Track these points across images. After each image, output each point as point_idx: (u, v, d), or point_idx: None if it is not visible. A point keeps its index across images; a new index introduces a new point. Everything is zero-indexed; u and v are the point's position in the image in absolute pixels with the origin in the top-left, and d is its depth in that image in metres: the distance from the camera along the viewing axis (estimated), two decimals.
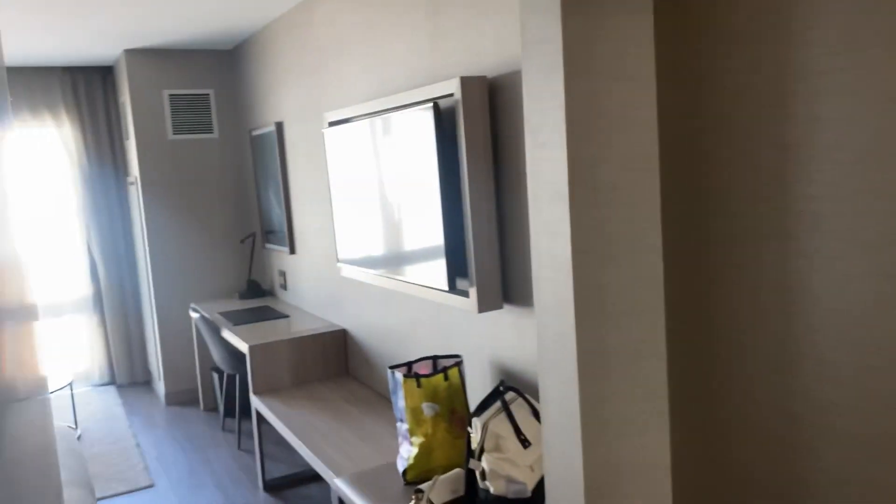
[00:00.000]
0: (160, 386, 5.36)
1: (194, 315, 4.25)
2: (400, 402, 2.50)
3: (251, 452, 4.23)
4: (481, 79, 2.37)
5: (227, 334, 4.05)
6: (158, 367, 5.31)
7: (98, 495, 3.74)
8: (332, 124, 3.40)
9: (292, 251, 4.51)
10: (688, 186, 1.55)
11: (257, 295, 5.05)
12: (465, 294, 2.49)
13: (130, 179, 5.43)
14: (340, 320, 3.92)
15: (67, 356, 5.87)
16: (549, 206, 1.48)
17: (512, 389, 2.18)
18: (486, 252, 2.41)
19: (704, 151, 1.50)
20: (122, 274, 5.77)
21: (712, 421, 1.55)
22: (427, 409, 2.44)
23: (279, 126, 4.43)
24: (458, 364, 2.51)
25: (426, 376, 2.46)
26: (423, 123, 2.51)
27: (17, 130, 5.49)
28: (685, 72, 1.51)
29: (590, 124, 1.43)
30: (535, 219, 1.53)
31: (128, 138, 5.39)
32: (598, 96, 1.43)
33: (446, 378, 2.47)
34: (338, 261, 3.39)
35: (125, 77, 5.06)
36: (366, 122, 2.93)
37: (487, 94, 2.39)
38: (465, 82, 2.36)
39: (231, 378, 4.58)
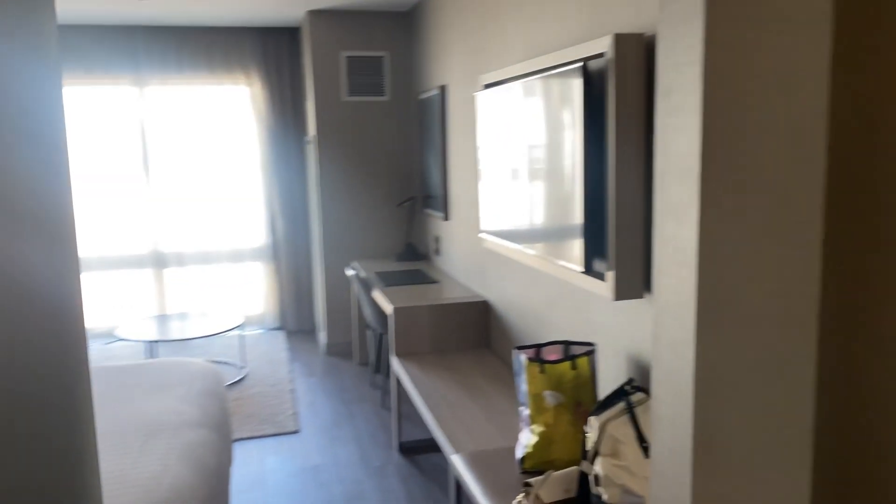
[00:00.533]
0: (322, 336, 5.62)
1: (350, 273, 4.36)
2: (523, 386, 2.35)
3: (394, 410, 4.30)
4: (637, 36, 2.09)
5: (377, 294, 4.11)
6: (322, 318, 5.56)
7: (247, 434, 3.99)
8: (485, 87, 3.25)
9: (446, 217, 4.47)
10: (863, 170, 1.22)
11: (413, 258, 5.08)
12: (601, 277, 2.26)
13: (308, 139, 5.66)
14: (484, 291, 3.82)
15: (245, 300, 6.34)
16: (676, 185, 1.24)
17: (641, 390, 1.95)
18: (628, 233, 2.16)
19: (893, 125, 1.17)
20: (297, 228, 6.09)
21: (868, 462, 1.24)
22: (549, 397, 2.26)
23: (442, 89, 4.36)
24: (590, 353, 2.30)
25: (552, 363, 2.27)
26: (569, 86, 2.28)
27: (212, 88, 5.92)
28: (875, 14, 1.18)
29: (734, 85, 1.16)
30: (661, 199, 1.30)
31: (307, 99, 5.62)
32: (747, 48, 1.15)
33: (574, 367, 2.27)
34: (480, 231, 3.27)
35: (308, 38, 5.24)
36: (512, 85, 2.75)
37: (644, 55, 2.11)
38: (620, 40, 2.10)
39: (381, 337, 4.67)
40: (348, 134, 5.28)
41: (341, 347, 5.49)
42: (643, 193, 2.16)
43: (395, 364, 3.61)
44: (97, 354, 5.52)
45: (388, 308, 3.77)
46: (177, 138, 5.91)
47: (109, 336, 5.99)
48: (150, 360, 3.15)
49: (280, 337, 5.97)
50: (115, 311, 6.11)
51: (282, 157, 5.99)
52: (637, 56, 2.11)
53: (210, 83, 5.90)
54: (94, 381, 2.86)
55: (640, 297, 2.19)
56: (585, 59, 2.32)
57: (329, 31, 5.18)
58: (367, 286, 4.29)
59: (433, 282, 4.28)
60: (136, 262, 5.96)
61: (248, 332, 6.15)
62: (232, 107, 6.05)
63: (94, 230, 5.90)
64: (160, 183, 5.90)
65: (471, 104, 3.85)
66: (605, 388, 2.51)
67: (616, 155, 2.13)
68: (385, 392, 4.46)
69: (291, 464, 3.65)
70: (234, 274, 6.25)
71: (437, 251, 4.79)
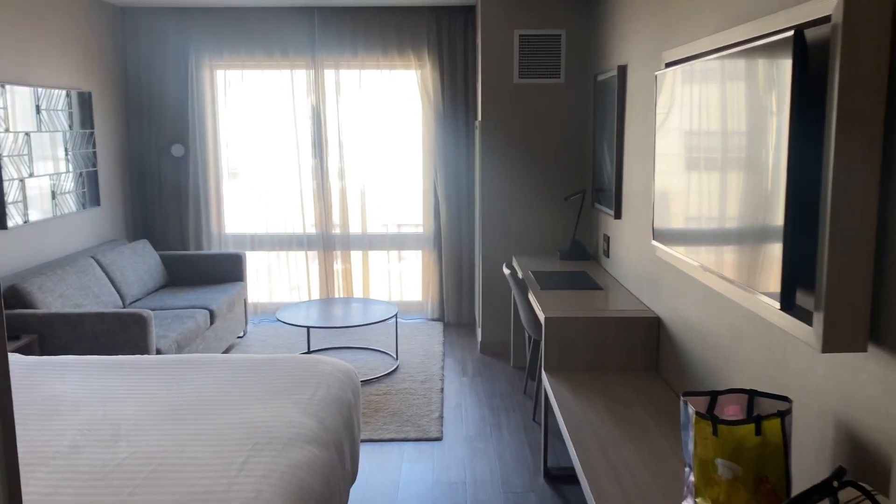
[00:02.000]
0: (478, 333, 5.33)
1: (507, 271, 4.00)
2: (689, 445, 1.85)
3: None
4: None
5: (532, 298, 3.71)
6: (479, 313, 5.27)
7: (389, 436, 3.78)
8: (667, 66, 2.72)
9: (617, 215, 3.95)
10: None
11: (579, 257, 4.61)
12: (805, 317, 1.70)
13: (476, 124, 5.36)
14: (656, 305, 3.28)
15: (406, 288, 6.21)
16: None
17: (855, 486, 1.40)
18: (850, 257, 1.59)
19: None
20: (461, 216, 5.83)
21: None
22: (723, 467, 1.75)
23: (622, 70, 3.83)
24: (783, 415, 1.75)
25: (730, 423, 1.76)
26: (776, 61, 1.73)
27: (384, 71, 5.79)
28: None
29: None
30: None
31: (478, 81, 5.30)
32: None
33: (759, 432, 1.74)
34: (653, 236, 2.75)
35: (481, 16, 4.91)
36: (701, 62, 2.21)
37: (891, 21, 1.52)
38: (852, 1, 1.52)
39: (536, 343, 4.27)
40: (517, 119, 4.90)
41: (497, 347, 5.17)
42: (877, 208, 1.58)
43: (545, 380, 3.20)
44: (258, 334, 5.65)
45: (540, 315, 3.36)
46: (348, 122, 5.86)
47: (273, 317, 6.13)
48: (278, 357, 3.00)
49: (437, 329, 5.77)
50: (282, 292, 6.25)
51: (450, 143, 5.75)
52: (880, 21, 1.52)
53: (383, 66, 5.78)
54: (213, 375, 2.74)
55: (863, 349, 1.61)
56: (800, 27, 1.74)
57: (504, 8, 4.81)
58: (522, 287, 3.91)
59: (597, 288, 3.80)
60: (305, 244, 6.03)
61: (406, 320, 6.02)
62: (402, 90, 5.89)
63: (267, 210, 6.04)
64: (331, 166, 5.90)
65: (649, 85, 3.30)
66: (801, 459, 1.94)
67: (839, 151, 1.56)
68: (538, 403, 4.07)
69: (428, 475, 3.39)
70: (396, 260, 6.14)
71: (606, 252, 4.28)
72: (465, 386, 4.54)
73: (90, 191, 5.09)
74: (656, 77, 2.71)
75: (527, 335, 4.57)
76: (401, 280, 6.20)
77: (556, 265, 4.48)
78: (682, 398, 1.88)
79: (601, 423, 2.66)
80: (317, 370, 2.81)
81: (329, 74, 5.80)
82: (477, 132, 5.24)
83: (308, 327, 4.52)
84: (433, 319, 6.04)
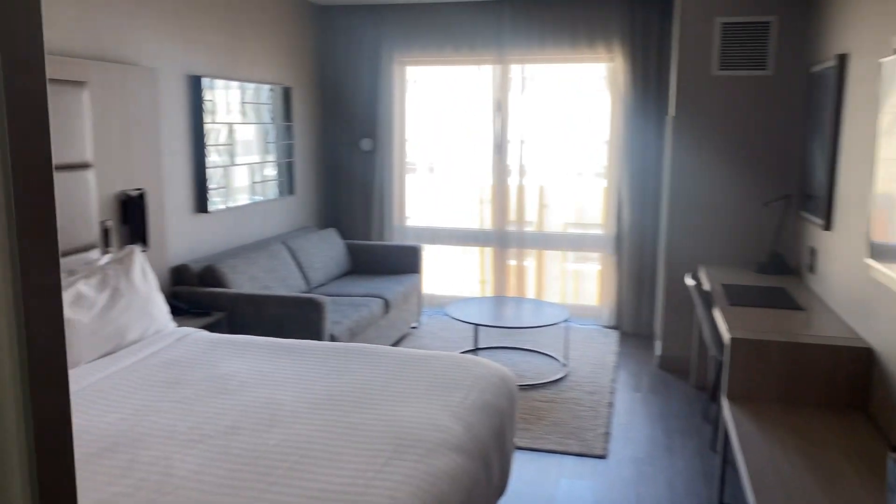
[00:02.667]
0: (657, 346, 4.97)
1: (690, 282, 3.65)
2: None
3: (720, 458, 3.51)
4: None
5: (718, 314, 3.34)
6: (659, 325, 4.90)
7: (549, 447, 3.61)
8: None
9: (827, 226, 3.44)
10: None
11: (778, 272, 4.11)
12: None
13: (668, 119, 4.98)
14: (868, 333, 2.80)
15: (581, 291, 5.97)
16: None
17: None
18: None
19: None
20: (645, 219, 5.48)
21: None
22: None
23: (841, 60, 3.32)
24: None
25: None
26: None
27: (572, 65, 5.57)
28: None
29: None
30: None
31: (671, 73, 4.92)
32: None
33: None
34: (869, 252, 2.32)
35: (679, 2, 4.54)
36: None
37: None
38: None
39: (720, 364, 3.86)
40: (713, 114, 4.47)
41: (677, 363, 4.78)
42: None
43: (726, 409, 2.85)
44: (430, 326, 5.69)
45: (725, 335, 3.01)
46: (531, 117, 5.73)
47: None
48: (436, 354, 2.94)
49: (612, 338, 5.47)
50: (456, 286, 6.27)
51: (638, 140, 5.41)
52: None
53: (570, 59, 5.57)
54: (372, 367, 2.73)
55: None
56: None
57: None
58: (707, 301, 3.54)
59: (797, 308, 3.34)
60: (481, 240, 6.00)
61: (579, 325, 5.77)
62: (590, 84, 5.64)
63: (446, 204, 6.08)
64: (511, 162, 5.80)
65: (877, 78, 2.81)
66: None
67: None
68: (718, 430, 3.67)
69: (587, 494, 3.17)
70: (572, 261, 5.91)
71: (811, 268, 3.76)
72: (637, 402, 4.23)
73: (286, 180, 5.42)
74: (882, 65, 2.28)
75: (710, 354, 4.16)
76: (576, 282, 5.96)
77: (749, 278, 4.02)
78: (890, 456, 1.53)
79: (789, 466, 2.30)
80: (472, 372, 2.71)
81: (515, 69, 5.70)
82: (668, 128, 4.87)
83: (476, 325, 4.46)
84: (608, 327, 5.74)
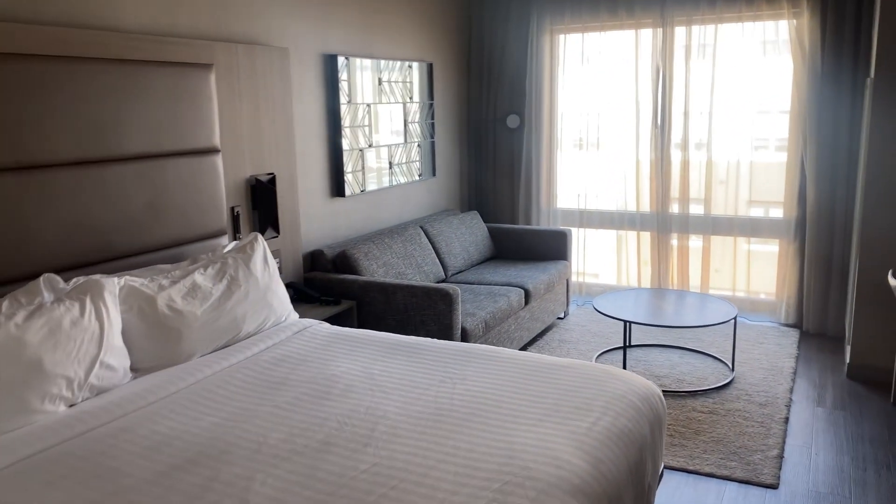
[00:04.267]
0: (847, 351, 4.21)
1: (893, 282, 2.96)
2: None
3: None
4: None
5: None
6: (850, 325, 4.15)
7: (707, 468, 3.10)
8: None
9: None
10: None
11: None
12: None
13: (868, 82, 4.16)
14: None
15: (754, 282, 5.25)
16: None
17: None
18: None
19: None
20: (836, 199, 4.66)
21: None
22: None
23: None
24: None
25: None
26: None
27: (748, 24, 4.84)
28: None
29: None
30: None
31: (874, 26, 4.09)
32: None
33: None
34: None
35: None
36: None
37: None
38: None
39: None
40: None
41: (873, 374, 4.01)
42: None
43: None
44: (579, 317, 5.25)
45: None
46: (698, 86, 5.07)
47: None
48: (566, 363, 2.55)
49: (791, 338, 4.73)
50: (609, 274, 5.77)
51: (828, 107, 4.59)
52: None
53: (745, 18, 4.84)
54: (492, 375, 2.40)
55: None
56: None
57: None
58: None
59: None
60: (637, 223, 5.45)
61: (752, 321, 5.07)
62: (769, 45, 4.88)
63: (599, 185, 5.58)
64: (674, 136, 5.19)
65: None
66: None
67: None
68: None
69: None
70: (745, 249, 5.20)
71: None
72: (819, 419, 3.57)
73: (427, 162, 5.21)
74: None
75: None
76: (748, 273, 5.25)
77: None
78: None
79: None
80: (607, 389, 2.31)
81: (679, 32, 5.06)
82: (867, 93, 4.05)
83: (625, 321, 3.99)
84: (787, 325, 4.99)
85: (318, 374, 2.50)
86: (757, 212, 5.20)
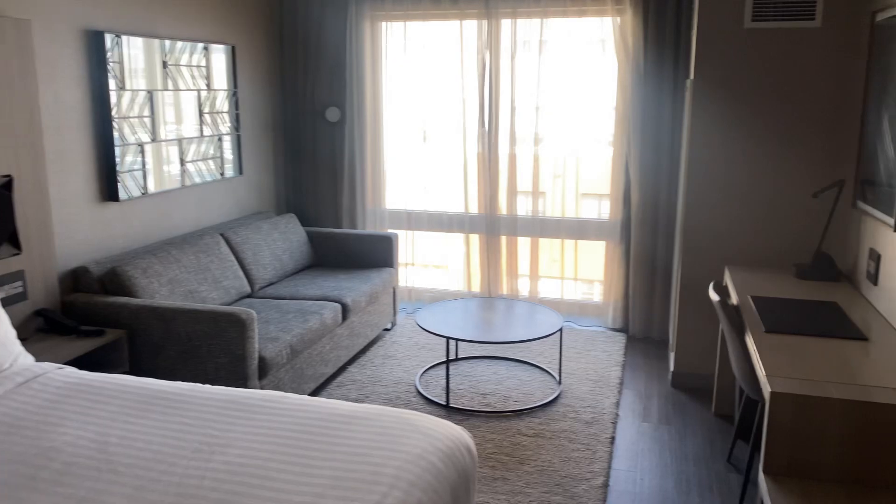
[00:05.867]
0: (671, 358, 4.13)
1: (714, 297, 2.80)
2: None
3: None
4: None
5: (751, 344, 2.50)
6: (673, 332, 4.06)
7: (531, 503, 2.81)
8: None
9: None
10: None
11: (826, 277, 3.25)
12: None
13: (688, 84, 4.08)
14: None
15: (581, 286, 5.13)
16: None
17: None
18: None
19: None
20: (658, 202, 4.60)
21: None
22: None
23: None
24: None
25: None
26: None
27: (573, 20, 4.66)
28: None
29: None
30: None
31: (692, 27, 4.01)
32: None
33: None
34: None
35: None
36: None
37: None
38: None
39: (756, 405, 3.03)
40: (745, 78, 3.57)
41: (695, 381, 3.95)
42: None
43: (764, 489, 2.03)
44: (407, 327, 4.88)
45: (764, 383, 2.17)
46: (524, 81, 4.83)
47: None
48: (359, 413, 2.13)
49: (618, 343, 4.63)
50: (439, 278, 5.45)
51: (651, 108, 4.51)
52: None
53: (571, 13, 4.66)
54: (260, 440, 1.92)
55: None
56: None
57: None
58: (737, 324, 2.69)
59: (857, 337, 2.49)
60: (466, 225, 5.15)
61: (580, 326, 4.94)
62: (594, 42, 4.73)
63: (427, 185, 5.23)
64: (501, 134, 4.93)
65: None
66: None
67: None
68: (748, 481, 2.84)
69: None
70: (573, 251, 5.05)
71: (874, 277, 2.89)
72: (645, 436, 3.41)
73: (232, 158, 4.59)
74: None
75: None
76: (576, 276, 5.12)
77: (789, 287, 3.16)
78: None
79: None
80: (404, 448, 1.90)
81: (505, 25, 4.79)
82: (687, 94, 3.97)
83: (448, 338, 3.64)
84: (614, 329, 4.90)
85: (31, 446, 1.89)
86: (590, 205, 5.08)
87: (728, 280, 3.38)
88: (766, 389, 2.10)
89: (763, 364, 2.25)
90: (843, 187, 3.33)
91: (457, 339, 3.63)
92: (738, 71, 3.57)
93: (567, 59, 4.77)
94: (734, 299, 3.07)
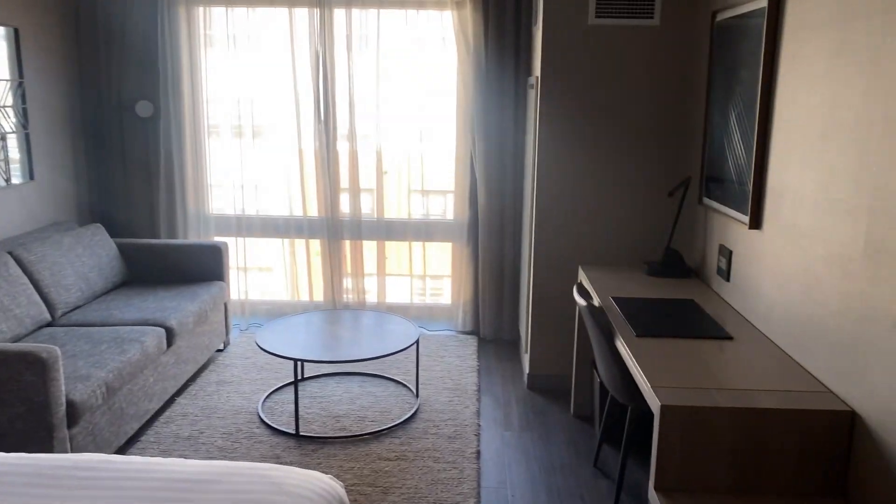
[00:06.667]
0: (525, 360, 4.05)
1: (581, 301, 2.70)
2: None
3: None
4: None
5: (625, 351, 2.41)
6: (527, 335, 3.98)
7: None
8: None
9: (755, 224, 2.61)
10: None
11: (676, 274, 3.29)
12: None
13: (531, 81, 4.01)
14: (844, 386, 1.97)
15: (430, 290, 4.95)
16: None
17: None
18: None
19: None
20: (505, 203, 4.51)
21: None
22: None
23: (776, 0, 2.46)
24: None
25: None
26: None
27: (410, 12, 4.44)
28: None
29: None
30: None
31: (535, 23, 3.94)
32: None
33: None
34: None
35: None
36: None
37: None
38: None
39: (616, 405, 2.98)
40: (591, 74, 3.54)
41: (552, 382, 3.89)
42: None
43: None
44: (243, 346, 4.42)
45: (651, 397, 2.07)
46: (363, 76, 4.54)
47: (266, 319, 4.91)
48: (201, 473, 1.75)
49: (470, 348, 4.49)
50: (278, 288, 5.02)
51: (494, 105, 4.40)
52: None
53: (409, 5, 4.43)
54: None
55: None
56: None
57: None
58: (606, 329, 2.60)
59: (722, 336, 2.48)
60: (305, 230, 4.77)
61: (432, 332, 4.76)
62: (434, 36, 4.54)
63: (259, 187, 4.78)
64: (339, 132, 4.60)
65: (831, 25, 1.93)
66: None
67: None
68: (623, 482, 2.78)
69: None
70: (420, 254, 4.85)
71: (726, 273, 2.94)
72: (509, 447, 3.28)
73: (22, 160, 3.86)
74: None
75: (595, 371, 3.29)
76: (425, 278, 4.93)
77: (643, 285, 3.16)
78: None
79: None
80: None
81: (339, 15, 4.46)
82: (532, 92, 3.89)
83: (294, 360, 3.27)
84: (465, 332, 4.77)
85: None
86: (436, 202, 4.89)
87: (584, 280, 3.33)
88: (656, 403, 2.00)
89: (645, 374, 2.15)
90: (689, 184, 3.40)
91: (305, 361, 3.27)
92: (584, 68, 3.53)
93: (407, 52, 4.53)
94: (596, 301, 3.01)
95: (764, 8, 2.51)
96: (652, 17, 3.47)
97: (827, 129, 2.11)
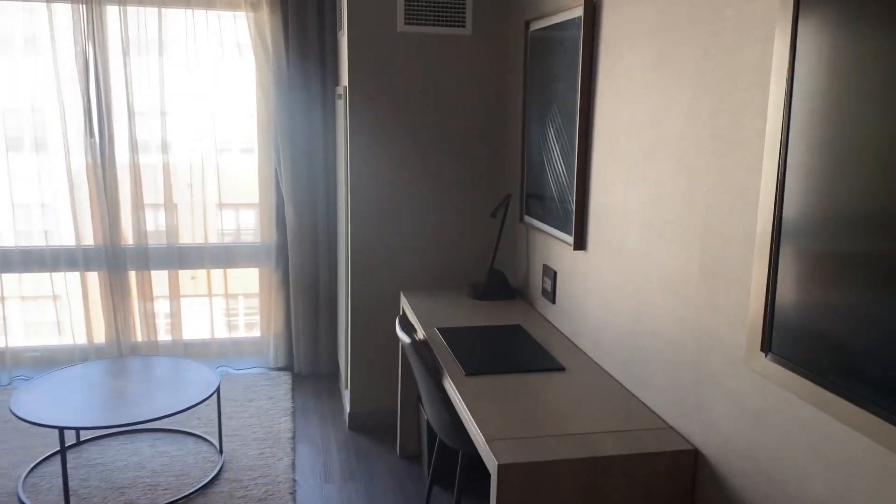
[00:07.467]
0: (346, 397, 3.70)
1: (404, 338, 2.40)
2: None
3: None
4: None
5: (454, 394, 2.15)
6: (346, 370, 3.62)
7: None
8: None
9: (579, 244, 2.47)
10: None
11: (502, 295, 3.11)
12: None
13: (339, 91, 3.67)
14: (684, 422, 1.84)
15: (235, 321, 4.45)
16: None
17: None
18: None
19: None
20: (317, 223, 4.13)
21: None
22: None
23: (591, 9, 2.33)
24: None
25: None
26: None
27: (197, 12, 3.93)
28: None
29: None
30: None
31: (340, 29, 3.61)
32: None
33: None
34: (765, 349, 1.28)
35: None
36: None
37: None
38: None
39: (445, 448, 2.72)
40: (403, 85, 3.28)
41: (376, 419, 3.57)
42: None
43: None
44: (3, 406, 3.64)
45: (488, 455, 1.81)
46: (144, 84, 3.94)
47: (36, 372, 4.13)
48: None
49: (283, 386, 4.05)
50: (49, 333, 4.24)
51: (299, 118, 4.00)
52: None
53: (195, 4, 3.91)
54: None
55: None
56: None
57: None
58: (433, 369, 2.32)
59: (554, 367, 2.30)
60: (80, 262, 4.06)
61: (237, 370, 4.25)
62: (229, 40, 4.06)
63: (18, 213, 4.00)
64: (118, 148, 3.96)
65: (649, 35, 1.81)
66: None
67: None
68: None
69: None
70: (222, 282, 4.32)
71: (551, 295, 2.79)
72: (331, 502, 2.90)
73: None
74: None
75: (421, 406, 3.02)
76: (227, 310, 4.40)
77: (470, 310, 2.94)
78: None
79: None
80: None
81: (112, 13, 3.84)
82: (340, 103, 3.56)
83: (62, 428, 2.66)
84: (277, 368, 4.31)
85: None
86: (233, 221, 4.38)
87: (407, 307, 3.05)
88: (492, 462, 1.74)
89: (478, 424, 1.89)
90: (510, 202, 3.23)
91: (77, 429, 2.67)
92: (395, 78, 3.26)
93: (197, 57, 4.01)
94: (420, 333, 2.73)
95: (579, 18, 2.38)
96: (464, 26, 3.28)
97: (652, 146, 1.99)
